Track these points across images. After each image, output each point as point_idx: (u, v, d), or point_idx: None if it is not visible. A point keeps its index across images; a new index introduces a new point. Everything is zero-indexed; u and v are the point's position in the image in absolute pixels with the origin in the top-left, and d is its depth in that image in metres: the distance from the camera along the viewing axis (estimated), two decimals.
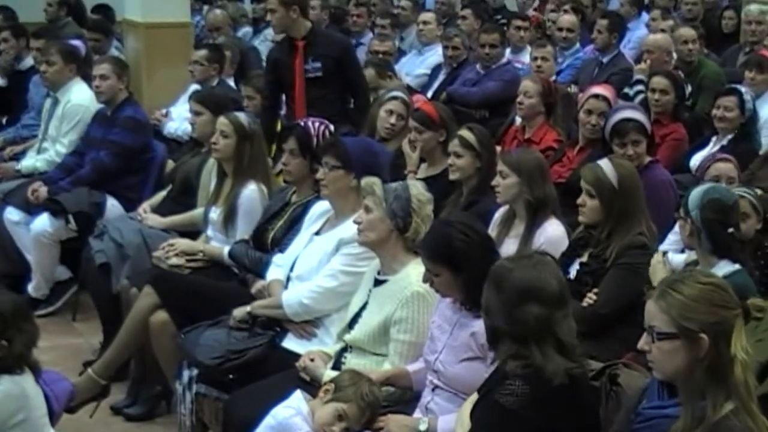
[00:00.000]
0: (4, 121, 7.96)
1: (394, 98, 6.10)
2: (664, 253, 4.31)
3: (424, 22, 9.07)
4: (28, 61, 7.90)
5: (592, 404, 3.12)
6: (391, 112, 6.04)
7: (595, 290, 4.19)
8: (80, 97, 6.75)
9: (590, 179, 4.32)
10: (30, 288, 6.41)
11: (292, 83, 6.49)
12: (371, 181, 4.10)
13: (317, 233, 4.62)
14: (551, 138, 6.19)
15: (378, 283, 4.06)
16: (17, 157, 7.09)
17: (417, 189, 4.08)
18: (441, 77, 8.28)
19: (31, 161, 6.87)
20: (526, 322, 3.00)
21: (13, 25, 8.12)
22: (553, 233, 4.51)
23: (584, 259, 4.31)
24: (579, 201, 4.36)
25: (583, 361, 3.15)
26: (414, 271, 3.92)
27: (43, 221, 6.20)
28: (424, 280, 3.73)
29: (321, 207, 4.73)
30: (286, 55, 6.55)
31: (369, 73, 7.03)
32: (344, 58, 6.68)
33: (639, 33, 9.52)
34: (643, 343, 2.77)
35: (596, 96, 5.90)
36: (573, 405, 3.03)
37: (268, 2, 6.79)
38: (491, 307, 3.10)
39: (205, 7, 11.54)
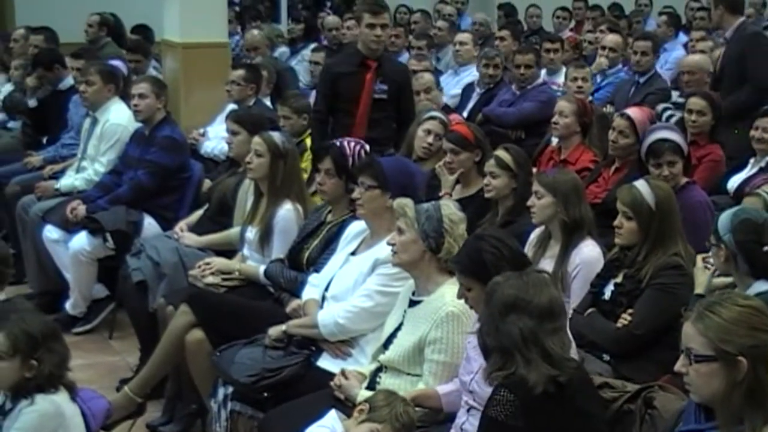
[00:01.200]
0: (44, 140, 8.03)
1: (432, 118, 6.10)
2: (705, 258, 4.27)
3: (461, 43, 9.08)
4: (68, 81, 7.97)
5: (589, 411, 3.11)
6: (428, 132, 6.04)
7: (630, 311, 4.17)
8: (119, 117, 6.80)
9: (627, 201, 4.30)
10: (68, 306, 6.45)
11: (356, 101, 6.49)
12: (403, 203, 4.10)
13: (353, 253, 4.62)
14: (587, 158, 6.17)
15: (413, 303, 4.06)
16: (57, 175, 7.15)
17: (449, 209, 4.08)
18: (475, 97, 8.27)
19: (70, 180, 6.93)
20: (510, 334, 3.04)
21: (45, 56, 8.14)
22: (588, 254, 4.50)
23: (619, 279, 4.29)
24: (616, 223, 4.34)
25: (579, 370, 3.15)
26: (448, 291, 3.92)
27: (81, 239, 6.25)
28: (458, 296, 3.73)
29: (357, 227, 4.73)
30: (355, 73, 6.54)
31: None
32: (405, 84, 6.76)
33: (676, 54, 9.51)
34: (680, 365, 2.76)
35: (621, 114, 5.90)
36: (564, 412, 3.02)
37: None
38: (482, 323, 3.15)
39: (239, 28, 11.68)
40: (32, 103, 8.08)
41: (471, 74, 8.76)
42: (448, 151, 5.61)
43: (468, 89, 8.50)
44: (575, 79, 7.43)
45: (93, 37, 10.21)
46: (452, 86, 8.87)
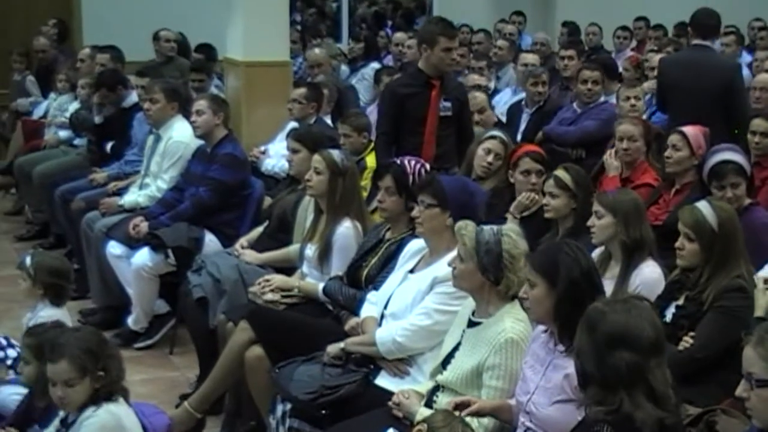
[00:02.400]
0: (108, 148, 8.11)
1: (493, 137, 6.08)
2: (766, 280, 4.21)
3: (524, 64, 9.01)
4: (132, 99, 8.07)
5: None
6: (489, 151, 6.02)
7: (692, 334, 4.13)
8: (181, 134, 6.87)
9: (689, 222, 4.26)
10: (130, 321, 6.51)
11: (423, 120, 6.50)
12: (463, 231, 4.03)
13: (412, 271, 4.62)
14: (649, 177, 6.12)
15: (472, 324, 4.04)
16: (120, 192, 7.24)
17: (510, 241, 3.97)
18: (525, 117, 8.19)
19: (133, 196, 7.01)
20: (617, 369, 2.94)
21: (108, 77, 8.26)
22: (649, 275, 4.46)
23: (681, 302, 4.25)
24: (677, 244, 4.30)
25: (678, 411, 3.07)
26: (508, 316, 3.91)
27: (143, 255, 6.31)
28: (521, 293, 3.71)
29: (416, 245, 4.73)
30: (421, 92, 6.55)
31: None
32: (465, 101, 6.80)
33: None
34: (741, 390, 2.72)
35: (674, 130, 5.86)
36: None
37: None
38: (583, 350, 3.05)
39: (301, 47, 11.75)
40: (98, 119, 8.20)
41: None
42: (533, 172, 5.59)
43: (514, 109, 8.43)
44: (627, 98, 7.35)
45: (169, 53, 10.36)
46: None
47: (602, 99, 7.83)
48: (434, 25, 6.63)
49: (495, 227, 4.05)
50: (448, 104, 6.54)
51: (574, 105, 7.83)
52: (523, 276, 3.84)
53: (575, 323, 3.16)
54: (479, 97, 7.29)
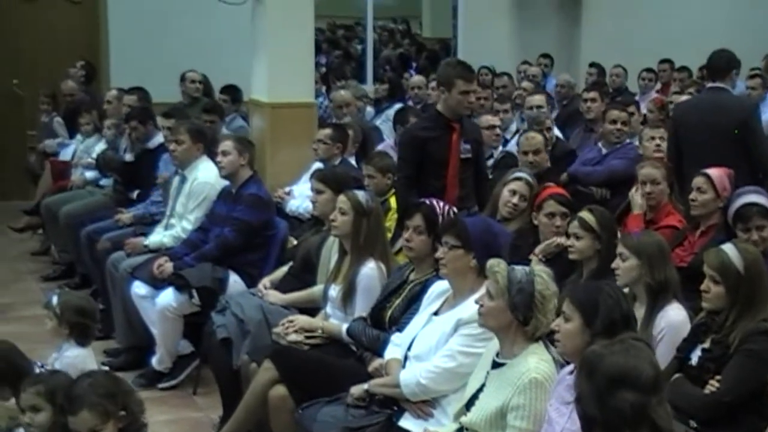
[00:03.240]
0: (134, 197, 8.19)
1: (518, 179, 6.09)
2: None
3: (538, 107, 8.98)
4: (158, 139, 8.13)
5: None
6: (514, 192, 6.02)
7: (718, 377, 4.09)
8: (206, 175, 6.91)
9: (715, 265, 4.24)
10: (154, 361, 6.52)
11: (445, 163, 6.52)
12: (496, 268, 4.02)
13: (436, 313, 4.61)
14: (674, 219, 6.10)
15: (496, 365, 4.02)
16: (146, 232, 7.26)
17: (542, 281, 3.96)
18: None
19: (158, 237, 7.04)
20: (620, 410, 2.90)
21: (140, 112, 8.37)
22: (674, 317, 4.44)
23: (706, 345, 4.22)
24: (703, 287, 4.28)
25: None
26: (533, 357, 3.89)
27: (168, 296, 6.33)
28: (554, 325, 3.70)
29: (440, 286, 4.73)
30: (442, 135, 6.55)
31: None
32: (481, 142, 6.84)
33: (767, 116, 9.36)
34: None
35: (698, 173, 5.85)
36: None
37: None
38: (584, 395, 3.01)
39: (324, 89, 11.83)
40: (129, 157, 8.25)
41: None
42: (558, 215, 5.58)
43: None
44: (652, 138, 7.33)
45: (194, 94, 10.46)
46: None
47: (627, 140, 7.82)
48: (452, 68, 6.64)
49: (526, 267, 4.04)
50: (467, 146, 6.54)
51: (599, 145, 7.81)
52: (551, 318, 3.83)
53: None
54: (536, 137, 7.19)
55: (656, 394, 2.96)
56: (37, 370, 4.35)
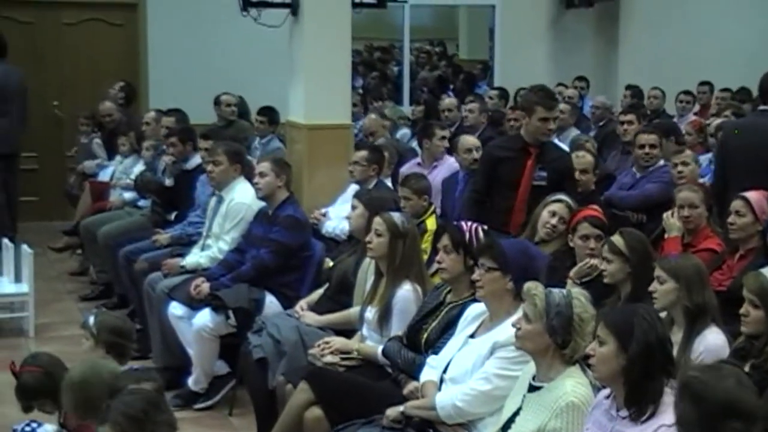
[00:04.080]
0: (171, 218, 8.24)
1: (559, 201, 6.07)
2: None
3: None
4: (195, 161, 8.19)
5: None
6: (553, 214, 5.98)
7: None
8: (243, 196, 6.95)
9: (754, 288, 4.21)
10: (190, 381, 6.54)
11: (515, 186, 6.51)
12: (534, 291, 4.00)
13: (472, 335, 4.60)
14: (712, 242, 6.04)
15: (533, 388, 4.00)
16: (182, 253, 7.31)
17: (581, 304, 3.95)
18: None
19: (195, 258, 7.08)
20: None
21: (181, 130, 8.45)
22: (713, 342, 4.39)
23: (746, 369, 4.17)
24: (742, 311, 4.24)
25: None
26: (570, 380, 3.87)
27: (204, 316, 6.35)
28: (589, 349, 3.68)
29: (476, 309, 4.72)
30: (516, 157, 6.56)
31: None
32: (566, 172, 6.72)
33: None
34: None
35: (737, 196, 5.79)
36: None
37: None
38: (687, 420, 3.00)
39: (362, 111, 11.85)
40: (169, 182, 8.31)
41: None
42: (592, 237, 5.55)
43: None
44: (675, 165, 7.27)
45: (230, 117, 10.53)
46: None
47: (661, 162, 7.76)
48: (534, 94, 6.66)
49: (564, 290, 4.03)
50: (543, 174, 6.52)
51: (633, 169, 7.77)
52: (590, 341, 3.80)
53: (644, 389, 3.12)
54: (586, 157, 7.13)
55: (759, 423, 2.95)
56: None
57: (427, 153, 8.55)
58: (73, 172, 11.00)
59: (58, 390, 4.25)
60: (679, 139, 8.54)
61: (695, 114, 11.44)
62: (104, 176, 10.04)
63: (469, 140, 8.06)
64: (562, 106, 10.39)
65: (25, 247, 8.12)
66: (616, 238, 5.06)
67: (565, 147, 8.55)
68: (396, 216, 5.48)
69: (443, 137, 8.49)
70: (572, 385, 3.84)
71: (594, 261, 5.41)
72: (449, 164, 8.30)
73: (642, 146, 7.63)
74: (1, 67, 10.42)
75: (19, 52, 11.04)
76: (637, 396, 3.42)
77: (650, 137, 7.65)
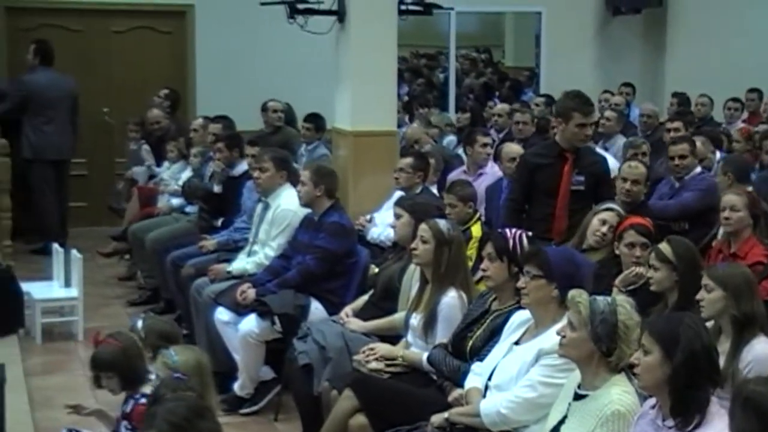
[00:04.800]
0: (218, 224, 8.29)
1: (610, 209, 6.03)
2: None
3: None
4: (242, 167, 8.24)
5: None
6: (603, 222, 5.94)
7: None
8: (289, 203, 6.97)
9: None
10: (236, 387, 6.55)
11: (554, 192, 6.52)
12: (578, 299, 3.99)
13: (517, 343, 4.60)
14: (759, 252, 5.97)
15: (578, 396, 3.98)
16: (229, 259, 7.35)
17: (625, 311, 3.93)
18: None
19: (241, 264, 7.11)
20: None
21: (229, 136, 8.52)
22: (761, 352, 4.34)
23: None
24: None
25: None
26: (615, 388, 3.85)
27: (250, 322, 6.37)
28: (633, 358, 3.65)
29: (521, 316, 4.71)
30: (553, 164, 6.57)
31: None
32: (603, 176, 6.74)
33: None
34: None
35: None
36: None
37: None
38: (743, 428, 2.98)
39: (407, 117, 11.87)
40: (217, 189, 8.37)
41: None
42: (638, 246, 5.52)
43: None
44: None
45: (276, 124, 10.59)
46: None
47: (698, 170, 7.69)
48: (570, 100, 6.64)
49: (608, 298, 4.01)
50: (581, 178, 6.52)
51: (671, 178, 7.72)
52: (635, 349, 3.78)
53: (689, 399, 3.09)
54: (639, 168, 6.99)
55: None
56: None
57: (470, 160, 8.55)
58: (121, 178, 11.11)
59: (128, 370, 4.42)
60: (728, 146, 8.48)
61: (743, 121, 11.33)
62: (151, 179, 10.14)
63: (513, 148, 8.05)
64: (607, 113, 10.40)
65: (74, 252, 8.20)
66: (664, 246, 5.03)
67: (611, 156, 8.55)
68: (442, 223, 5.48)
69: (485, 144, 8.48)
70: (618, 393, 3.82)
71: (640, 269, 5.38)
72: (494, 172, 8.31)
73: (672, 158, 7.59)
74: (47, 75, 10.60)
75: (69, 60, 11.19)
76: (682, 406, 3.40)
77: (678, 148, 7.61)
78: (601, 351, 3.90)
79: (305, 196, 6.64)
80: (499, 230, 5.23)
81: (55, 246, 8.61)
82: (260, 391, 6.58)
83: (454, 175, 8.37)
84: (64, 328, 8.16)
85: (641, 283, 5.34)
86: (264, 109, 10.73)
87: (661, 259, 4.97)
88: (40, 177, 10.67)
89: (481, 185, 8.00)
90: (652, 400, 3.69)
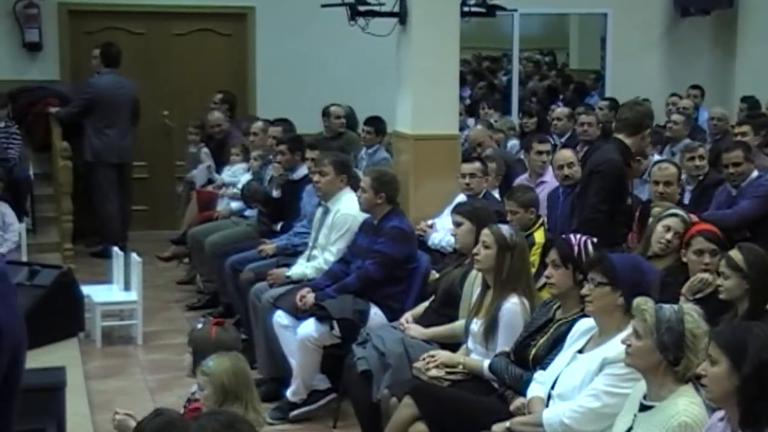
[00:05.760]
0: (278, 228, 8.27)
1: (674, 215, 5.90)
2: None
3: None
4: (302, 171, 8.20)
5: None
6: (668, 229, 5.82)
7: None
8: (349, 207, 6.93)
9: None
10: (288, 392, 6.50)
11: (626, 198, 6.41)
12: (643, 306, 3.90)
13: (581, 351, 4.51)
14: None
15: (644, 408, 3.88)
16: (288, 263, 7.31)
17: (693, 320, 3.83)
18: (686, 194, 7.91)
19: (300, 268, 7.08)
20: None
21: (291, 139, 8.48)
22: None
23: None
24: None
25: None
26: (682, 399, 3.75)
27: (309, 326, 6.33)
28: (700, 369, 3.56)
29: (585, 324, 4.62)
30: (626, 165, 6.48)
31: None
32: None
33: None
34: None
35: None
36: None
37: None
38: None
39: (469, 121, 11.78)
40: (276, 194, 8.34)
41: None
42: (707, 252, 5.38)
43: None
44: None
45: (338, 129, 10.56)
46: None
47: (755, 174, 7.50)
48: (645, 110, 6.54)
49: (675, 306, 3.92)
50: None
51: (728, 185, 7.55)
52: (703, 358, 3.67)
53: (759, 411, 3.01)
54: (669, 168, 6.98)
55: None
56: None
57: (530, 167, 8.44)
58: (181, 181, 11.14)
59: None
60: None
61: None
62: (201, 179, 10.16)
63: (563, 155, 7.84)
64: (675, 116, 10.22)
65: (134, 255, 8.25)
66: (735, 254, 4.90)
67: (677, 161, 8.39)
68: (504, 228, 5.42)
69: (540, 152, 8.32)
70: (685, 404, 3.73)
71: (705, 275, 5.25)
72: (554, 179, 8.14)
73: (726, 165, 7.44)
74: (110, 78, 10.67)
75: (130, 63, 11.27)
76: (752, 418, 3.31)
77: (732, 155, 7.50)
78: (667, 360, 3.80)
79: (365, 203, 6.61)
80: (564, 237, 5.14)
81: (115, 249, 8.66)
82: (313, 398, 6.52)
83: (518, 181, 8.25)
84: (124, 331, 8.21)
85: (709, 291, 5.22)
86: (326, 114, 10.70)
87: (732, 267, 4.85)
88: (102, 180, 10.76)
89: (543, 191, 7.85)
90: (720, 413, 3.59)
